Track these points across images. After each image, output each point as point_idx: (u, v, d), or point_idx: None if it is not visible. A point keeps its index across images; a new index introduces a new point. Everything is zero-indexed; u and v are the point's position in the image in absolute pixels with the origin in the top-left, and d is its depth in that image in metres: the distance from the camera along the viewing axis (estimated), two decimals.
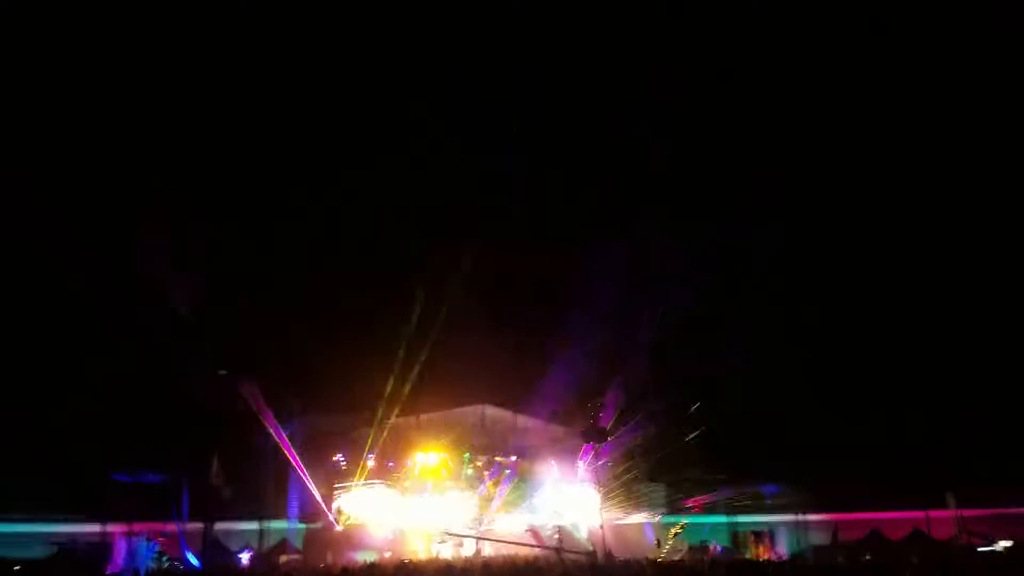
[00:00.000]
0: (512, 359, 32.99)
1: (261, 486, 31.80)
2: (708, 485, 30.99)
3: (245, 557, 28.71)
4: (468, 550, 32.26)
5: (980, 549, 25.53)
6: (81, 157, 28.75)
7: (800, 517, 30.78)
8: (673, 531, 29.72)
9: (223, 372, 29.17)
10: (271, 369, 31.14)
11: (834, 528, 29.83)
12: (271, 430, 32.89)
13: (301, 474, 32.76)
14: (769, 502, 31.21)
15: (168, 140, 29.72)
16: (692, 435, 30.22)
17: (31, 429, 26.84)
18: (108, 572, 24.38)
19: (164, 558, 26.65)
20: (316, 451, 33.50)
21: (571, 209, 33.02)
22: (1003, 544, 25.94)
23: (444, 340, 31.77)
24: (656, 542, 31.08)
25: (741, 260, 31.75)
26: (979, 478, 28.59)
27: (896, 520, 29.35)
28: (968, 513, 28.88)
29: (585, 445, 31.67)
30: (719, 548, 30.36)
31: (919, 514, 29.14)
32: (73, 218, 27.90)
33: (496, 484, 35.67)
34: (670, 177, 31.36)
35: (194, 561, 26.75)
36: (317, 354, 30.93)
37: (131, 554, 25.72)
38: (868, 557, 25.99)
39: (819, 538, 30.28)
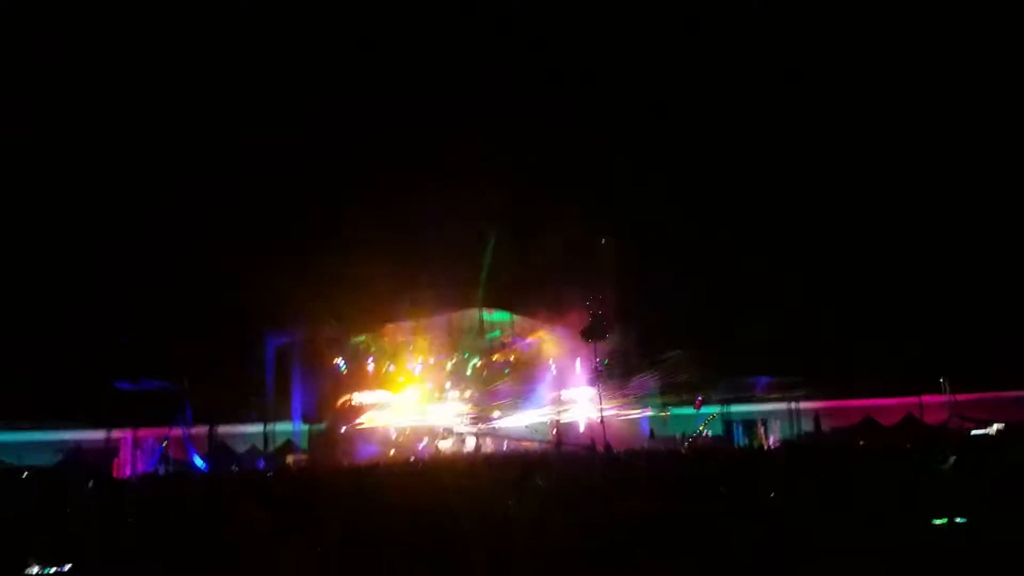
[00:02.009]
0: (511, 260, 32.87)
1: (264, 390, 32.18)
2: (702, 376, 31.25)
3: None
4: (470, 447, 33.05)
5: (973, 432, 25.81)
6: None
7: (793, 406, 31.07)
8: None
9: (218, 276, 29.03)
10: (267, 276, 31.07)
11: (816, 415, 30.11)
12: (271, 335, 33.28)
13: (303, 378, 33.22)
14: (761, 392, 31.45)
15: None
16: (686, 329, 30.26)
17: (34, 339, 27.04)
18: (115, 476, 24.84)
19: (171, 461, 27.20)
20: (317, 356, 33.81)
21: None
22: (996, 427, 26.21)
23: (443, 242, 31.69)
24: (650, 433, 31.66)
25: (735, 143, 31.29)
26: (973, 363, 28.70)
27: (890, 406, 29.62)
28: (961, 398, 29.17)
29: (584, 344, 31.80)
30: (711, 436, 30.82)
31: (912, 400, 29.41)
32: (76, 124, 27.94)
33: (496, 382, 36.14)
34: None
35: (200, 463, 27.23)
36: (314, 260, 30.75)
37: (137, 458, 26.24)
38: (861, 443, 26.34)
39: (812, 426, 30.68)
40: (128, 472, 25.65)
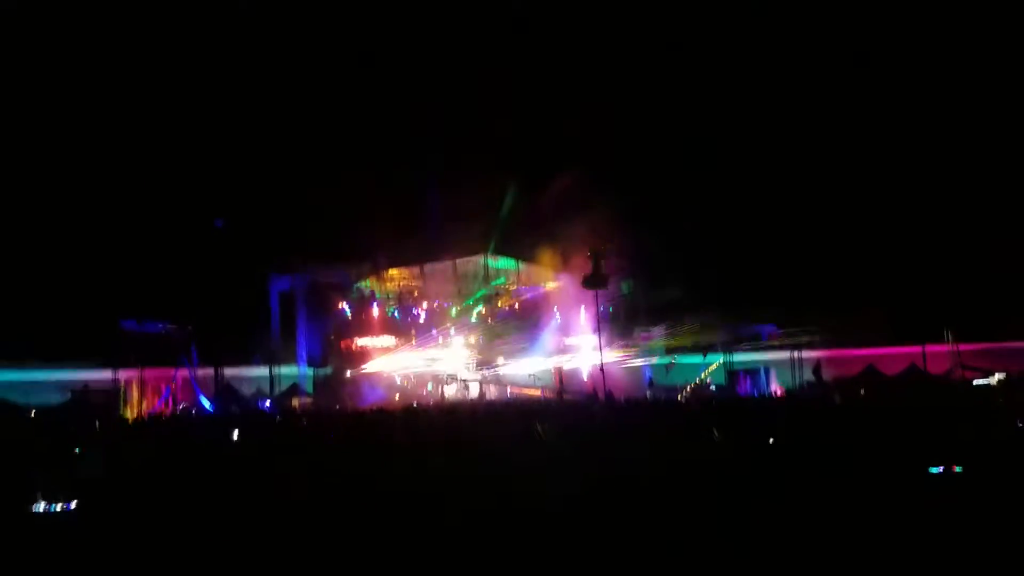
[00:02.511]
0: (516, 207, 32.69)
1: (269, 334, 32.39)
2: (705, 325, 31.28)
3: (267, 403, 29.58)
4: (473, 393, 33.38)
5: (975, 383, 25.88)
6: None
7: (795, 355, 31.16)
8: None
9: (220, 220, 28.97)
10: (271, 218, 31.03)
11: (817, 364, 30.18)
12: (275, 278, 33.35)
13: (308, 322, 33.41)
14: (765, 341, 31.50)
15: None
16: (689, 277, 30.19)
17: (41, 278, 27.15)
18: (121, 416, 25.15)
19: (178, 402, 27.54)
20: (321, 300, 33.95)
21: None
22: (997, 377, 26.25)
23: (448, 187, 31.49)
24: (650, 382, 31.85)
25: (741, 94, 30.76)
26: (976, 313, 28.62)
27: (892, 355, 29.68)
28: (965, 347, 29.18)
29: (587, 291, 31.80)
30: (713, 386, 31.02)
31: (915, 349, 29.43)
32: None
33: (500, 329, 36.30)
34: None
35: (207, 404, 27.56)
36: (318, 203, 30.62)
37: (144, 398, 26.54)
38: (863, 392, 26.47)
39: (814, 375, 30.78)
40: (135, 413, 25.95)
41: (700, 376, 31.29)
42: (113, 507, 7.57)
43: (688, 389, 30.02)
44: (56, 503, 7.34)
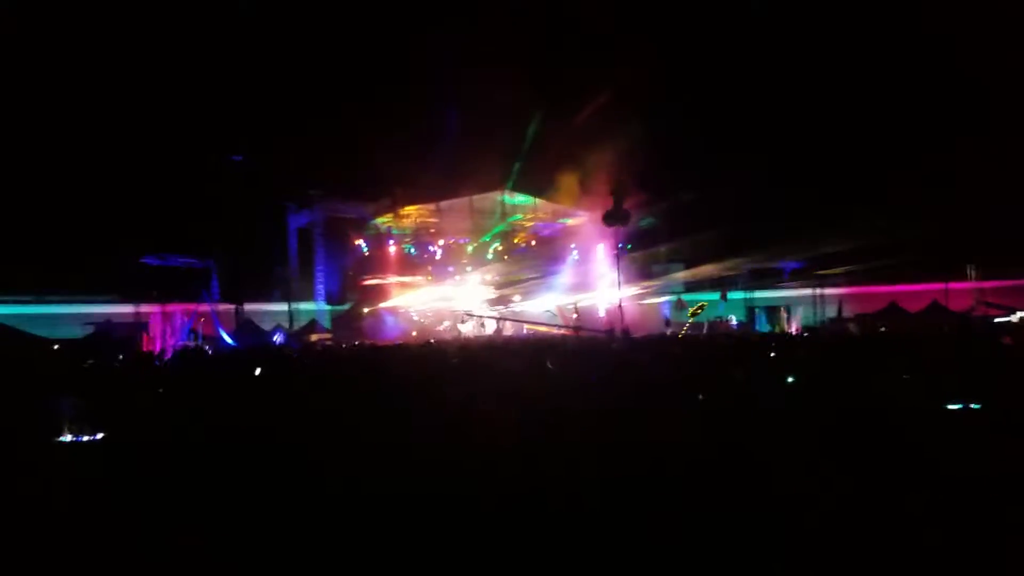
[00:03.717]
0: (535, 144, 32.20)
1: (287, 269, 32.57)
2: (725, 262, 31.05)
3: (278, 338, 29.84)
4: (489, 330, 33.56)
5: (996, 320, 25.62)
6: None
7: (817, 292, 30.92)
8: (692, 310, 30.10)
9: (238, 157, 28.84)
10: (290, 153, 30.82)
11: (839, 302, 29.95)
12: (294, 214, 33.38)
13: (326, 259, 33.55)
14: (787, 279, 31.27)
15: None
16: (710, 214, 29.82)
17: (63, 213, 27.29)
18: (144, 350, 25.54)
19: (200, 336, 27.89)
20: (339, 237, 34.00)
21: None
22: (1019, 315, 25.95)
23: (466, 124, 31.04)
24: (667, 321, 31.76)
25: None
26: (999, 249, 28.13)
27: (915, 292, 29.37)
28: (988, 285, 28.84)
29: (605, 228, 31.54)
30: (735, 323, 30.93)
31: (938, 286, 29.11)
32: None
33: (517, 266, 36.27)
34: None
35: (228, 339, 27.89)
36: (336, 138, 30.35)
37: (166, 332, 26.87)
38: (883, 328, 26.32)
39: (836, 313, 30.58)
40: (158, 346, 26.34)
41: (720, 314, 31.00)
42: (138, 440, 7.68)
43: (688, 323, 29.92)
44: (82, 435, 7.45)
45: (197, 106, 29.64)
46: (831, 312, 30.19)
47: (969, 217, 27.26)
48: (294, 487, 5.16)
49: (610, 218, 30.31)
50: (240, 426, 8.01)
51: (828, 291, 30.72)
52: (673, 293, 33.20)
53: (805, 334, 26.63)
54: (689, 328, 27.03)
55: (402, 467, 5.46)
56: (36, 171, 27.45)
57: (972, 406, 7.08)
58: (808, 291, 31.10)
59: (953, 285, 29.07)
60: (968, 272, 29.14)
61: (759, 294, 32.60)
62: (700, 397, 8.21)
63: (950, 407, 7.08)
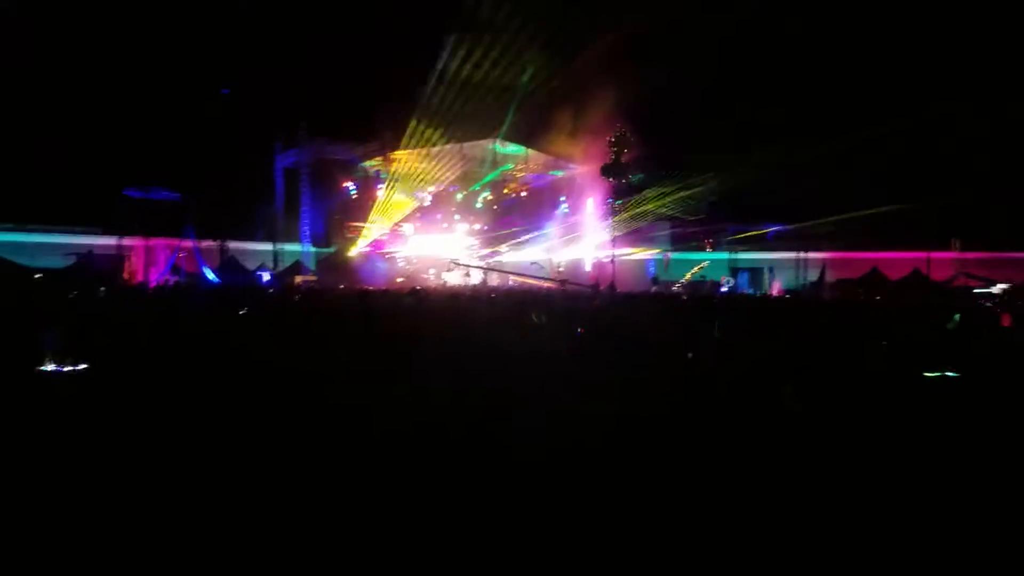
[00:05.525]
0: (527, 93, 31.65)
1: (273, 209, 32.25)
2: (711, 222, 31.07)
3: (265, 276, 29.64)
4: (475, 280, 33.55)
5: (976, 291, 25.88)
6: None
7: (800, 255, 31.05)
8: (693, 270, 30.12)
9: (226, 91, 28.25)
10: (280, 89, 30.21)
11: (822, 266, 30.14)
12: (281, 153, 32.89)
13: (313, 201, 33.20)
14: (771, 240, 31.34)
15: None
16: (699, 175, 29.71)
17: (46, 142, 26.72)
18: (125, 282, 25.37)
19: (182, 271, 27.71)
20: (327, 178, 33.60)
21: None
22: (1000, 286, 26.20)
23: (458, 69, 30.41)
24: (654, 278, 31.87)
25: None
26: (981, 221, 28.25)
27: (897, 260, 29.53)
28: (970, 255, 29.05)
29: (595, 182, 31.40)
30: (730, 282, 30.86)
31: (920, 255, 29.29)
32: None
33: (505, 217, 36.11)
34: None
35: (211, 276, 27.71)
36: (325, 77, 29.77)
37: (148, 265, 26.69)
38: (861, 293, 26.62)
39: (818, 276, 30.73)
40: (139, 279, 26.16)
41: (704, 274, 31.14)
42: (119, 370, 7.69)
43: (683, 282, 30.05)
44: (64, 366, 7.43)
45: (186, 37, 28.92)
46: (813, 276, 30.37)
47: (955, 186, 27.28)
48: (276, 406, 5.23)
49: (609, 169, 30.22)
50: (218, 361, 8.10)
51: (811, 255, 30.81)
52: (662, 250, 33.25)
53: (787, 296, 26.92)
54: (682, 286, 27.30)
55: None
56: (20, 99, 26.80)
57: (949, 374, 7.21)
58: (791, 254, 31.18)
59: (935, 254, 29.25)
60: (952, 243, 29.34)
61: (742, 255, 32.67)
62: (689, 355, 8.32)
63: (927, 375, 7.21)
